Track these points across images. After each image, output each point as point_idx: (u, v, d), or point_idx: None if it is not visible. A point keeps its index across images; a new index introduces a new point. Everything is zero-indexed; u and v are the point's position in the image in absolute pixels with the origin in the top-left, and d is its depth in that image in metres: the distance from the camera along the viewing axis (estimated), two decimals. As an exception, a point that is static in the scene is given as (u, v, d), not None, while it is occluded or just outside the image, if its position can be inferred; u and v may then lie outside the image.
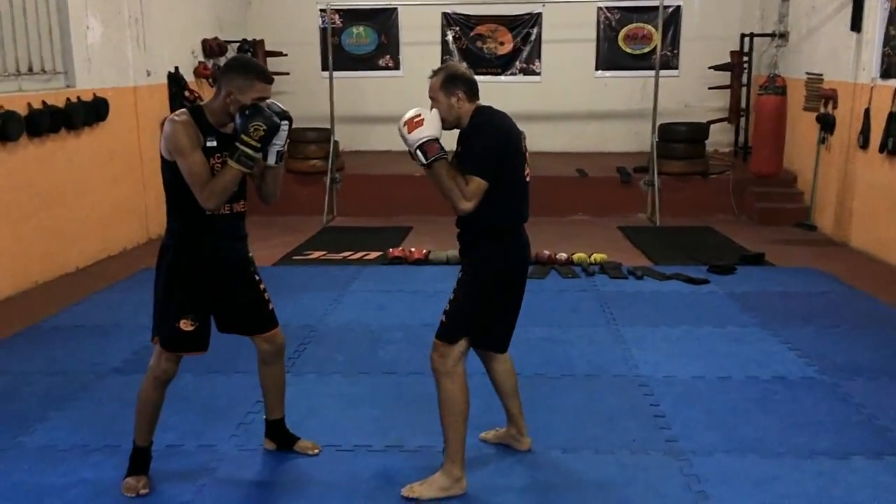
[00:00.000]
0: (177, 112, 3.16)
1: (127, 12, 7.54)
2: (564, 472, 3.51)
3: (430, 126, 3.12)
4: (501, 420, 3.69)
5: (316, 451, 3.63)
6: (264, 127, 3.02)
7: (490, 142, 3.13)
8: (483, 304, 3.23)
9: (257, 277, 3.40)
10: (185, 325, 3.18)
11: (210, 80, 9.13)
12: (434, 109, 3.19)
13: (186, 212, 3.12)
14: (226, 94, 3.08)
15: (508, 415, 3.63)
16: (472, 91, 3.20)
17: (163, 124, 3.15)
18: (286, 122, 3.14)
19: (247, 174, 3.13)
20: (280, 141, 3.15)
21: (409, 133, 3.12)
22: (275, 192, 3.31)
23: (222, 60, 9.49)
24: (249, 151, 3.03)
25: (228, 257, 3.28)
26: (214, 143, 3.09)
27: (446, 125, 3.21)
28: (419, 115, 3.14)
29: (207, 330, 3.27)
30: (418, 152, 3.11)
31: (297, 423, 3.74)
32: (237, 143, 3.03)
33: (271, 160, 3.19)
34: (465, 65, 3.43)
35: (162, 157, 3.12)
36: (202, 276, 3.20)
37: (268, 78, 3.13)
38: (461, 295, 3.23)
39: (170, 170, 3.10)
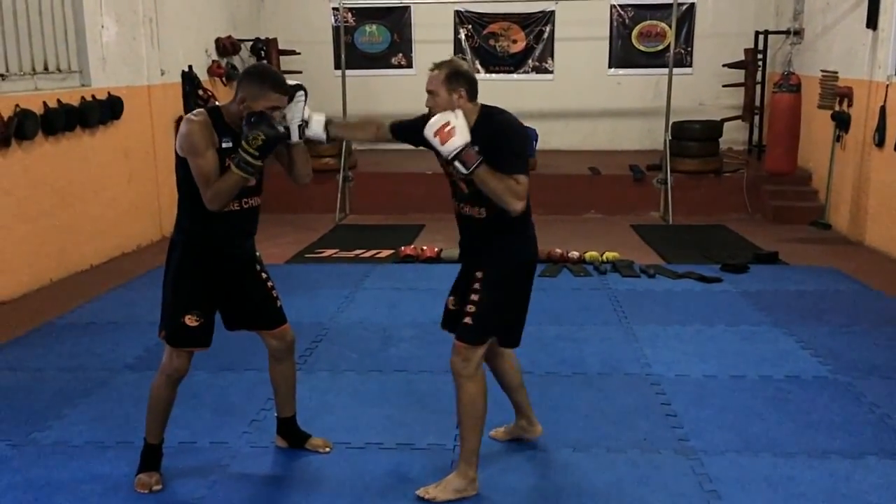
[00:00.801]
0: (195, 111, 3.19)
1: (141, 11, 7.57)
2: (575, 470, 3.51)
3: (463, 132, 3.04)
4: (512, 417, 3.69)
5: (327, 448, 3.64)
6: (263, 137, 3.03)
7: (523, 139, 3.21)
8: (512, 301, 3.24)
9: (264, 275, 3.42)
10: (190, 321, 3.20)
11: (223, 78, 9.17)
12: (460, 112, 3.09)
13: (197, 208, 3.14)
14: (240, 99, 3.11)
15: (517, 407, 3.64)
16: (473, 90, 3.17)
17: (178, 122, 3.17)
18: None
19: (276, 160, 3.23)
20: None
21: (443, 144, 3.05)
22: (307, 171, 3.37)
23: (236, 59, 9.54)
24: (248, 158, 3.05)
25: (236, 254, 3.30)
26: (230, 144, 3.12)
27: None
28: (448, 124, 3.05)
29: (211, 326, 3.29)
30: (457, 163, 3.05)
31: (309, 421, 3.76)
32: (238, 149, 3.06)
33: (294, 136, 3.24)
34: (466, 64, 3.40)
35: (176, 153, 3.15)
36: (209, 272, 3.22)
37: (283, 89, 3.13)
38: (489, 295, 3.16)
39: (183, 166, 3.13)
